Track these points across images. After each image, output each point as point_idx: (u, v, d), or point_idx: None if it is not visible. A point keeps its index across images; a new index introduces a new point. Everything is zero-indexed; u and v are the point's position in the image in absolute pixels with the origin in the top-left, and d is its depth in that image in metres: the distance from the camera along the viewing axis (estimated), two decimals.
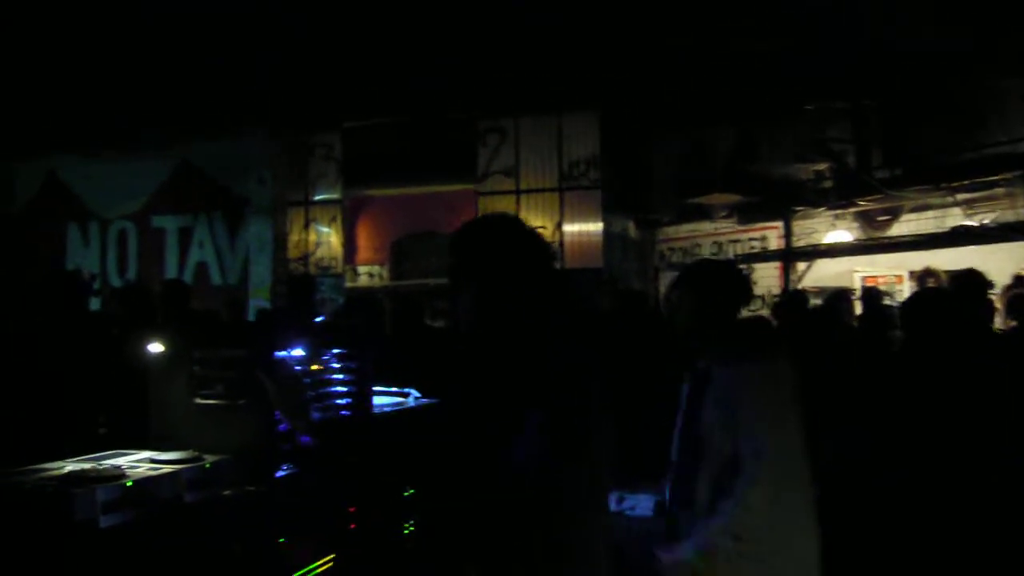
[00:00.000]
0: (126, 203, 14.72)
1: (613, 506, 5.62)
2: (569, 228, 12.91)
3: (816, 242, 12.65)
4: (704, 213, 13.50)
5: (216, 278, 14.27)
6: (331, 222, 14.17)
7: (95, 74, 11.18)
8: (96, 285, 14.63)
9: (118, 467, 2.59)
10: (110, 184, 14.62)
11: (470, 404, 2.22)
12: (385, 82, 11.70)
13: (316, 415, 3.19)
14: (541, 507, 2.01)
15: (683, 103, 11.83)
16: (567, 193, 12.93)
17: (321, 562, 2.93)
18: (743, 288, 3.46)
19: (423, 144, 13.08)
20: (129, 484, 2.42)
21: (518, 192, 13.10)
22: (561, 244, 12.88)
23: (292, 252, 14.15)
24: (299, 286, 8.08)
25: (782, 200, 12.55)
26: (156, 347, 3.36)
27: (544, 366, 2.03)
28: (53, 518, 2.25)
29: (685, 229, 13.91)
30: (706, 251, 13.28)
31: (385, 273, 14.66)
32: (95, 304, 13.57)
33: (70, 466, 2.59)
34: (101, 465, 2.62)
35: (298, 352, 3.30)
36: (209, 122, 13.05)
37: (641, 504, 5.55)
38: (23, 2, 9.31)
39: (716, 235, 13.50)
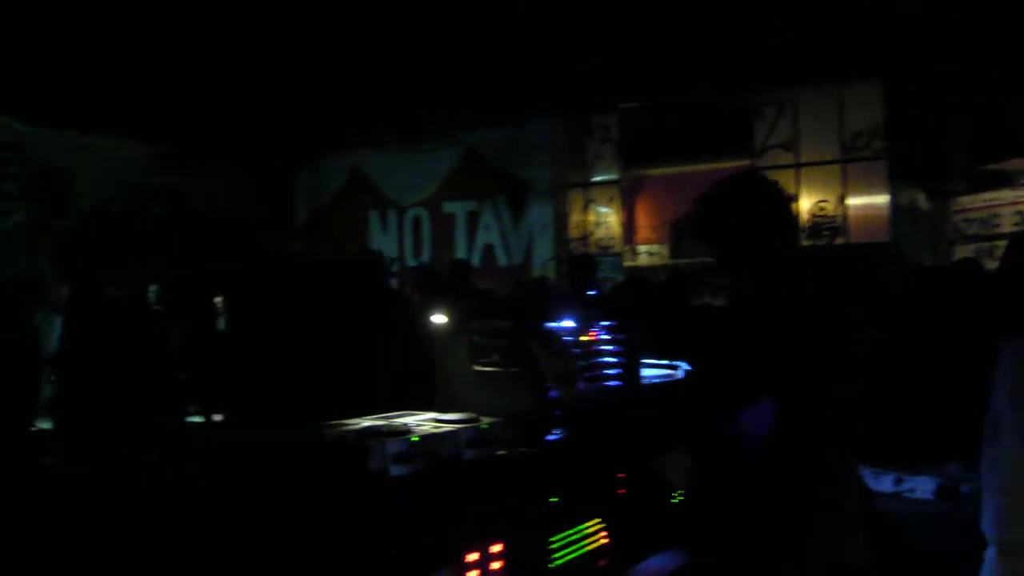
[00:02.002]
0: (419, 191, 15.77)
1: (891, 487, 5.44)
2: (852, 201, 12.39)
3: None
4: (1005, 180, 12.43)
5: (502, 259, 14.95)
6: (609, 202, 14.41)
7: (391, 75, 12.03)
8: (395, 267, 15.77)
9: (406, 425, 2.89)
10: (405, 174, 15.75)
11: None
12: (659, 61, 11.72)
13: (583, 384, 3.35)
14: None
15: (976, 64, 10.96)
16: (849, 165, 12.40)
17: (589, 524, 3.07)
18: None
19: (699, 121, 12.98)
20: (415, 440, 2.70)
21: (797, 166, 12.70)
22: (844, 218, 12.40)
23: (572, 233, 14.53)
24: (580, 265, 8.42)
25: None
26: (440, 319, 3.66)
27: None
28: (351, 466, 2.56)
29: (983, 198, 12.86)
30: (1007, 221, 12.22)
31: (665, 251, 14.65)
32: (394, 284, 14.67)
33: (366, 422, 2.93)
34: (392, 422, 2.93)
35: (568, 324, 3.47)
36: (493, 111, 13.69)
37: (921, 486, 5.34)
38: (326, 18, 10.15)
39: (1019, 204, 12.38)
